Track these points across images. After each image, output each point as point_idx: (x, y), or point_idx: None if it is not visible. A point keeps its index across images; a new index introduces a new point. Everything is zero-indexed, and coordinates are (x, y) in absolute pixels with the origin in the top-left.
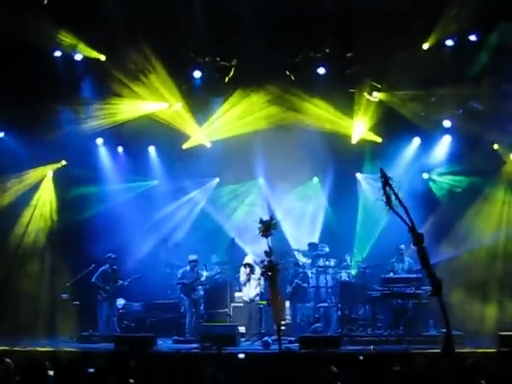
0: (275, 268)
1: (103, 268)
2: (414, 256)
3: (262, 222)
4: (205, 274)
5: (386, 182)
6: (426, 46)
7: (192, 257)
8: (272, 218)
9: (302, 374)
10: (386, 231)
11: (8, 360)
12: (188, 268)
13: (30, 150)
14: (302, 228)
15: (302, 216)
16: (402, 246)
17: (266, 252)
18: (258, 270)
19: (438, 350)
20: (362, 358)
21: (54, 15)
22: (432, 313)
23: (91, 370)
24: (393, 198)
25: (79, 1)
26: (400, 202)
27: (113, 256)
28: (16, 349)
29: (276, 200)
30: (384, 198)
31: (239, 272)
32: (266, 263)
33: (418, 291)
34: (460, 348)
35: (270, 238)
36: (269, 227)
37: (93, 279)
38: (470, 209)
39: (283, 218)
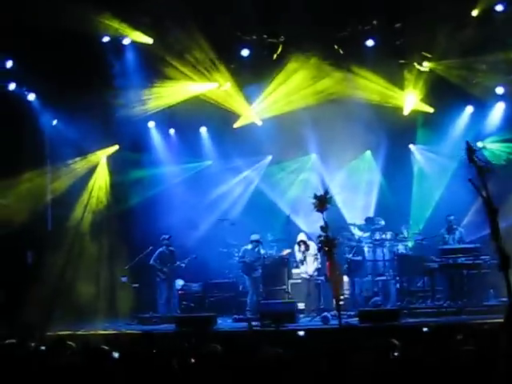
0: (332, 243)
1: (160, 250)
2: (466, 226)
3: (316, 197)
4: (268, 251)
5: (470, 153)
6: (475, 13)
7: (254, 236)
8: (327, 192)
9: (363, 347)
10: (442, 202)
11: (71, 343)
12: (250, 247)
13: (84, 136)
14: (356, 202)
15: (357, 190)
16: (452, 217)
17: (321, 227)
18: (313, 246)
19: (499, 320)
20: (425, 329)
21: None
22: (492, 282)
23: (154, 352)
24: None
25: None
26: (482, 173)
27: (167, 237)
28: (79, 333)
29: (329, 175)
30: (475, 170)
31: (295, 249)
32: (322, 238)
33: (476, 261)
34: None
35: (325, 213)
36: (324, 202)
37: (151, 261)
38: None
39: (337, 192)
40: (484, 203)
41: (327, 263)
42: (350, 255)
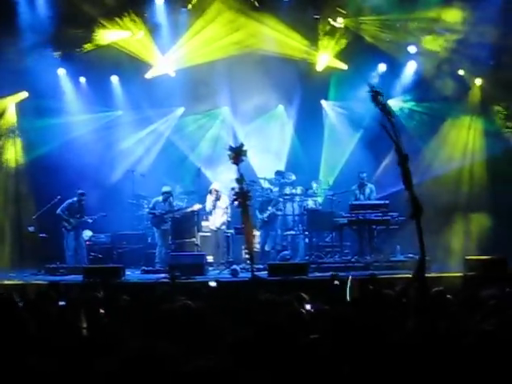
0: (246, 195)
1: (70, 201)
2: (375, 183)
3: (231, 149)
4: (178, 203)
5: (376, 95)
6: None
7: (165, 188)
8: (242, 145)
9: (272, 300)
10: (353, 158)
11: None
12: (160, 199)
13: None
14: (267, 157)
15: (268, 144)
16: (364, 175)
17: (237, 179)
18: (224, 198)
19: (403, 275)
20: (337, 282)
21: None
22: (399, 239)
23: (62, 303)
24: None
25: None
26: (389, 118)
27: (82, 192)
28: None
29: (241, 128)
30: (381, 112)
31: (205, 201)
32: (237, 190)
33: (385, 217)
34: (427, 273)
35: (239, 166)
36: (239, 154)
37: (58, 211)
38: (436, 135)
39: (248, 146)
40: (395, 149)
41: (242, 215)
42: (270, 208)
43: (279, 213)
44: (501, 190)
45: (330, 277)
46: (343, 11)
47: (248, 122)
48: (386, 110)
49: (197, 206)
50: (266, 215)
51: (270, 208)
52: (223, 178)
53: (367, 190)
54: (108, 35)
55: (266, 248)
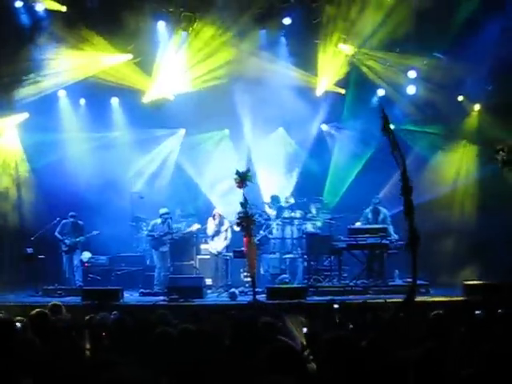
0: (250, 219)
1: (64, 221)
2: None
3: (238, 173)
4: (176, 226)
5: (386, 121)
6: None
7: (163, 210)
8: (248, 170)
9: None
10: (355, 183)
11: None
12: (159, 221)
13: None
14: (269, 179)
15: (269, 168)
16: (377, 200)
17: (241, 203)
18: (226, 223)
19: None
20: (337, 306)
21: None
22: (397, 263)
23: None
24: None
25: None
26: (398, 147)
27: (73, 214)
28: None
29: (242, 152)
30: (388, 140)
31: (206, 224)
32: (241, 214)
33: (383, 241)
34: (425, 297)
35: (244, 190)
36: (244, 179)
37: (55, 232)
38: (432, 159)
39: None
40: (401, 179)
41: (244, 239)
42: (261, 231)
43: (271, 236)
44: (492, 212)
45: (327, 301)
46: (344, 36)
47: (250, 144)
48: (393, 140)
49: (195, 226)
50: (257, 239)
51: (261, 232)
52: (224, 201)
53: (381, 216)
54: (109, 59)
55: (261, 271)
